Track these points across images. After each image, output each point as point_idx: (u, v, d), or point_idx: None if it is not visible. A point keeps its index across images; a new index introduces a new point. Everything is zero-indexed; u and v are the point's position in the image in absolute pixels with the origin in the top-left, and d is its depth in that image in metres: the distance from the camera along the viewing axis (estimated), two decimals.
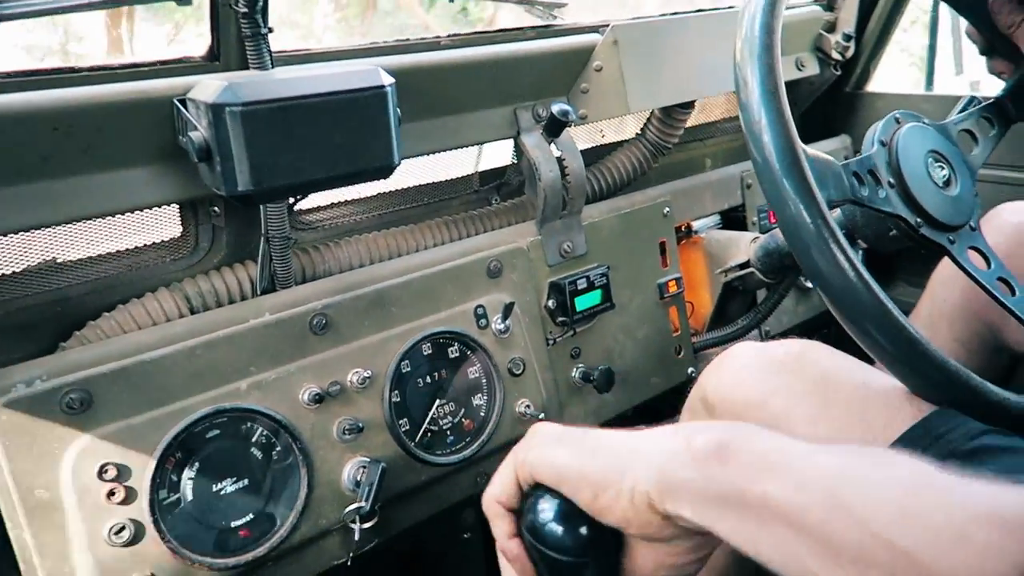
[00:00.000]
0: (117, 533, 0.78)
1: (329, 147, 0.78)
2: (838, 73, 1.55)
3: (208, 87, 0.75)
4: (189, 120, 0.76)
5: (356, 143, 0.80)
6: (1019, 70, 1.04)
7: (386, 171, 0.84)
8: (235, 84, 0.73)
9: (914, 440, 0.71)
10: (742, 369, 0.87)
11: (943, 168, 1.00)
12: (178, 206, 0.96)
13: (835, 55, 1.51)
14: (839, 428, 0.77)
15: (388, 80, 0.81)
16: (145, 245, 0.95)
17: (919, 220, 0.89)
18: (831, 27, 1.51)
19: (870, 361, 0.80)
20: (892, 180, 0.92)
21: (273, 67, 0.85)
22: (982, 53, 1.07)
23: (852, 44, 1.51)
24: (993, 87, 1.08)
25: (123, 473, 0.79)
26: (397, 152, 0.83)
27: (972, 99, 1.07)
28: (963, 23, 1.07)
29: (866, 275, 0.69)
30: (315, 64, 0.93)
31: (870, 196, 0.88)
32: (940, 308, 1.22)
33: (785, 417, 0.80)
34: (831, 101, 1.65)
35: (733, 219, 1.44)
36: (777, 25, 0.79)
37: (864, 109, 1.62)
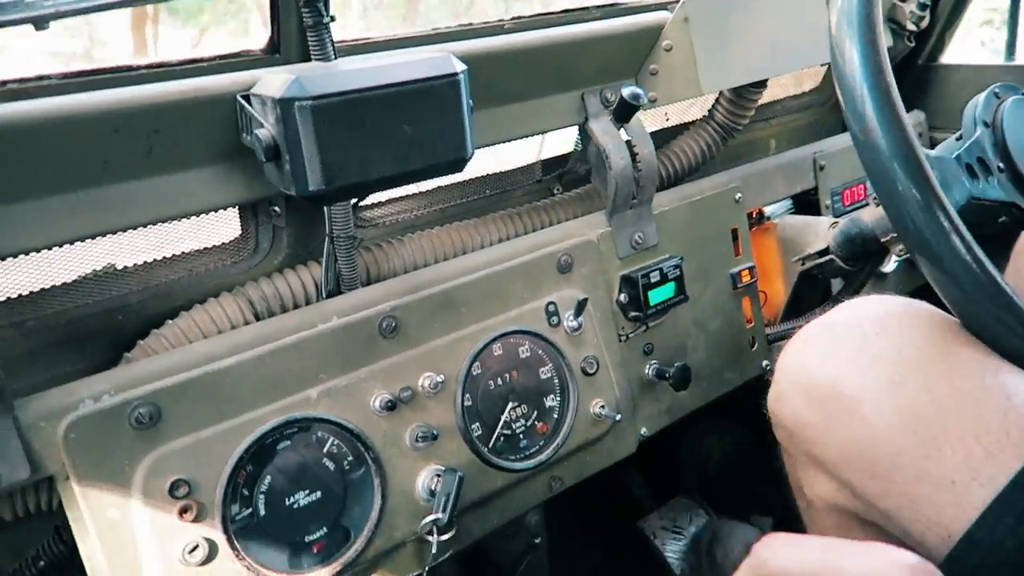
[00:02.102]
0: (191, 552, 0.74)
1: (401, 141, 0.73)
2: (912, 44, 1.47)
3: (274, 81, 0.70)
4: (254, 116, 0.72)
5: (429, 135, 0.75)
6: None
7: (459, 164, 0.79)
8: (303, 77, 0.69)
9: None
10: (842, 337, 0.76)
11: None
12: (238, 207, 0.92)
13: (909, 25, 1.42)
14: (969, 402, 0.67)
15: (461, 67, 0.76)
16: (205, 248, 0.92)
17: None
18: None
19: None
20: (1002, 164, 0.86)
21: (336, 58, 0.81)
22: None
23: (927, 14, 1.42)
24: None
25: (195, 489, 0.75)
26: (471, 144, 0.78)
27: None
28: None
29: (1000, 280, 0.63)
30: (380, 53, 0.88)
31: (983, 188, 0.82)
32: None
33: (898, 392, 0.70)
34: (904, 75, 1.56)
35: (806, 203, 1.37)
36: None
37: (939, 82, 1.54)
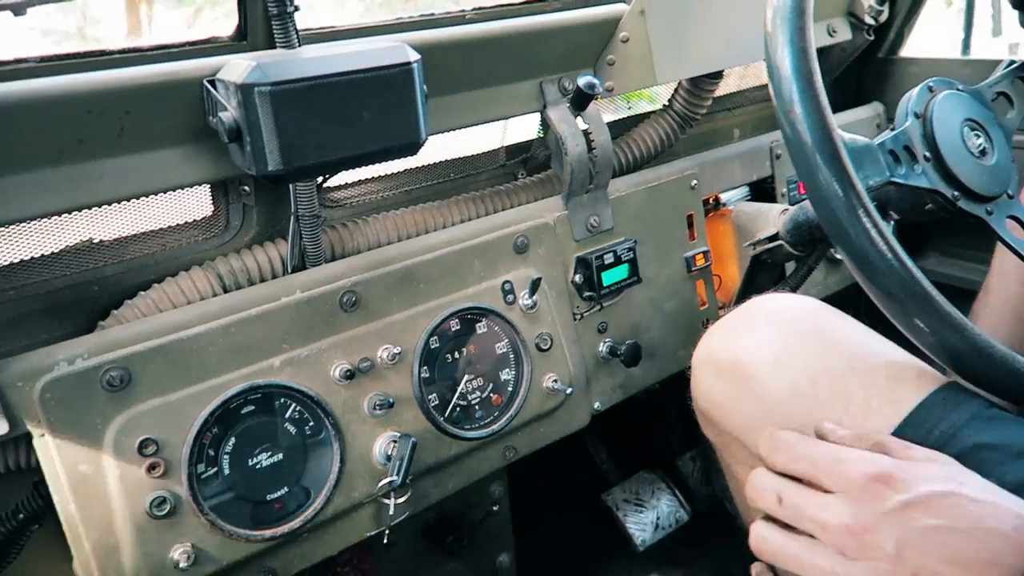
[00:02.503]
0: (158, 506, 0.80)
1: (357, 125, 0.78)
2: (871, 38, 1.52)
3: (237, 67, 0.75)
4: (219, 101, 0.77)
5: (384, 120, 0.80)
6: None
7: (413, 148, 0.84)
8: (264, 64, 0.74)
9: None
10: (741, 325, 0.86)
11: (979, 136, 0.97)
12: (209, 186, 0.97)
13: (868, 20, 1.47)
14: (837, 378, 0.76)
15: (414, 56, 0.81)
16: (178, 225, 0.97)
17: (956, 193, 0.88)
18: None
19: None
20: (928, 153, 0.91)
21: (300, 45, 0.85)
22: (1015, 6, 1.04)
23: (886, 8, 1.47)
24: None
25: (162, 448, 0.81)
26: (424, 129, 0.83)
27: (1012, 63, 1.04)
28: None
29: (900, 251, 0.68)
30: (342, 41, 0.93)
31: (906, 173, 0.87)
32: (1001, 303, 1.18)
33: (782, 368, 0.79)
34: (863, 67, 1.61)
35: (762, 191, 1.42)
36: None
37: (898, 75, 1.59)
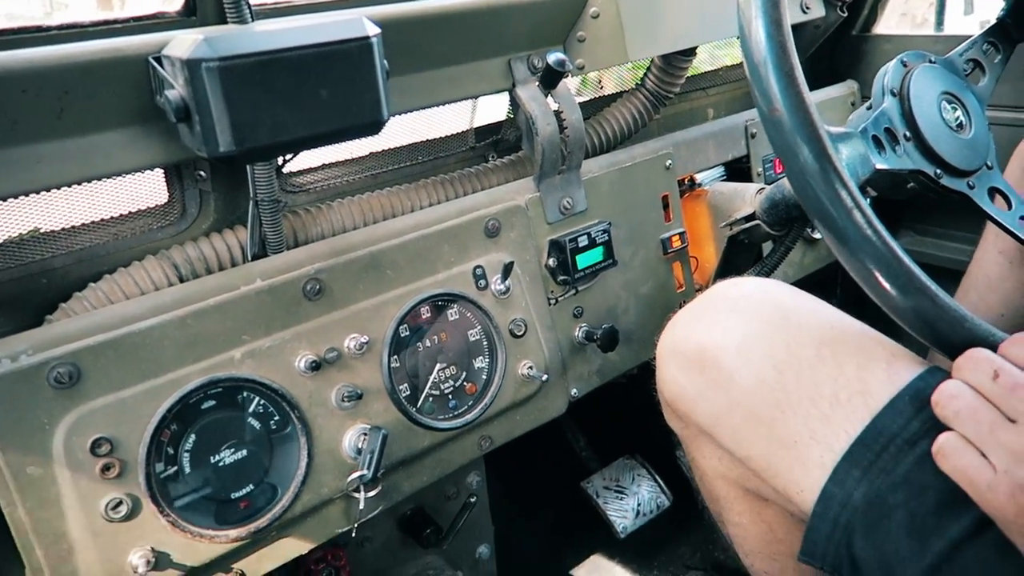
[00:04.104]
0: (114, 508, 0.76)
1: (314, 103, 0.74)
2: (844, 15, 1.50)
3: (183, 43, 0.71)
4: (165, 78, 0.72)
5: (342, 98, 0.76)
6: None
7: (375, 127, 0.80)
8: (211, 38, 0.69)
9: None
10: (704, 314, 0.83)
11: (956, 109, 0.96)
12: (163, 171, 0.92)
13: None
14: (805, 368, 0.73)
15: (374, 30, 0.77)
16: (131, 212, 0.92)
17: (939, 171, 0.86)
18: None
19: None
20: (908, 133, 0.89)
21: (253, 20, 0.81)
22: None
23: None
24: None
25: (117, 447, 0.77)
26: (386, 107, 0.79)
27: (984, 31, 1.03)
28: None
29: (882, 229, 0.66)
30: (297, 16, 0.89)
31: (889, 157, 0.85)
32: (984, 285, 1.17)
33: (747, 358, 0.76)
34: (837, 45, 1.59)
35: (738, 170, 1.40)
36: None
37: (872, 52, 1.57)
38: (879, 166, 0.84)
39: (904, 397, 0.68)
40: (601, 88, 1.31)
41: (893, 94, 0.91)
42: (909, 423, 0.67)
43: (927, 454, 0.63)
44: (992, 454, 0.59)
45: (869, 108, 0.94)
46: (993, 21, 1.01)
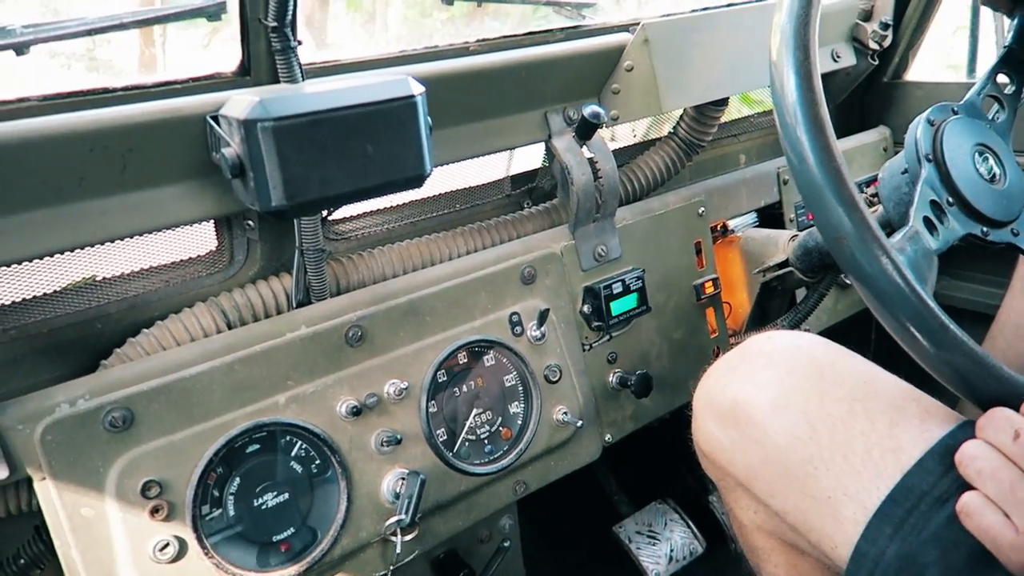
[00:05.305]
0: (162, 550, 0.78)
1: (361, 159, 0.77)
2: (875, 63, 1.51)
3: (239, 103, 0.75)
4: (222, 136, 0.76)
5: (388, 154, 0.79)
6: (1020, 10, 0.99)
7: (418, 181, 0.83)
8: (266, 100, 0.73)
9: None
10: (738, 367, 0.84)
11: (988, 159, 0.96)
12: (213, 221, 0.96)
13: (872, 44, 1.47)
14: (838, 425, 0.74)
15: (418, 89, 0.81)
16: (182, 260, 0.96)
17: (984, 229, 0.86)
18: (867, 15, 1.47)
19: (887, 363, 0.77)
20: (951, 198, 0.88)
21: (304, 79, 0.85)
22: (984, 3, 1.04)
23: (890, 33, 1.47)
24: None
25: (166, 489, 0.79)
26: (429, 161, 0.82)
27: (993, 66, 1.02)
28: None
29: (915, 283, 0.67)
30: (345, 75, 0.93)
31: (944, 236, 0.83)
32: (1012, 332, 1.16)
33: (781, 414, 0.76)
34: (868, 92, 1.60)
35: (770, 217, 1.41)
36: (814, 19, 0.76)
37: (903, 99, 1.58)
38: (937, 253, 0.81)
39: (934, 455, 0.68)
40: (634, 135, 1.34)
41: (928, 160, 0.91)
42: (939, 481, 0.67)
43: (944, 521, 0.64)
44: (1014, 514, 0.59)
45: (904, 173, 0.94)
46: (1002, 50, 1.00)
